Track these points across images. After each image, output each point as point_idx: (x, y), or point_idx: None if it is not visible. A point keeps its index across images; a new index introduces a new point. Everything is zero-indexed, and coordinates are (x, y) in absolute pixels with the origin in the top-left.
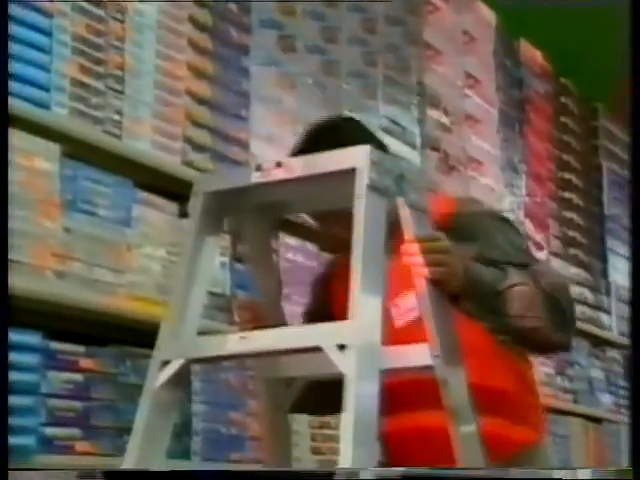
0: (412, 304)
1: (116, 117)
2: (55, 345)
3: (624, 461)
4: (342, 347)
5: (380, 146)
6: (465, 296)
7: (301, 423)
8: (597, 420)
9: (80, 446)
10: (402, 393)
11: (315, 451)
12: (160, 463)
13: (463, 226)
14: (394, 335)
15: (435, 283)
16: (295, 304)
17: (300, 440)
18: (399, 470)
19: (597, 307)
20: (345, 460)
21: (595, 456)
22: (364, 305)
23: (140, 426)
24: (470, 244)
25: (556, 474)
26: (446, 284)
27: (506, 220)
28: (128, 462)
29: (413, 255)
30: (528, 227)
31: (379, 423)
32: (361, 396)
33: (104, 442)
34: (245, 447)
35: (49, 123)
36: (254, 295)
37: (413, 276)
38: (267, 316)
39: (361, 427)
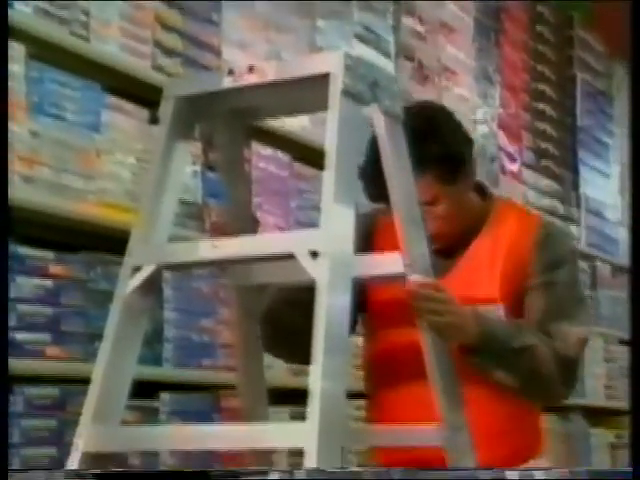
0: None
1: (83, 18)
2: (24, 250)
3: (587, 367)
4: (314, 254)
5: (467, 139)
6: (478, 349)
7: None
8: None
9: (50, 351)
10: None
11: None
12: (131, 370)
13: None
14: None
15: (435, 332)
16: (266, 213)
17: None
18: (335, 471)
19: (567, 218)
20: (316, 369)
21: None
22: (336, 214)
23: (111, 332)
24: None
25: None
26: (446, 334)
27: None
28: (99, 368)
29: (415, 300)
30: (501, 139)
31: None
32: (333, 306)
33: (74, 347)
34: (216, 354)
35: (13, 22)
36: (226, 204)
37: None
38: (238, 225)
39: (332, 336)
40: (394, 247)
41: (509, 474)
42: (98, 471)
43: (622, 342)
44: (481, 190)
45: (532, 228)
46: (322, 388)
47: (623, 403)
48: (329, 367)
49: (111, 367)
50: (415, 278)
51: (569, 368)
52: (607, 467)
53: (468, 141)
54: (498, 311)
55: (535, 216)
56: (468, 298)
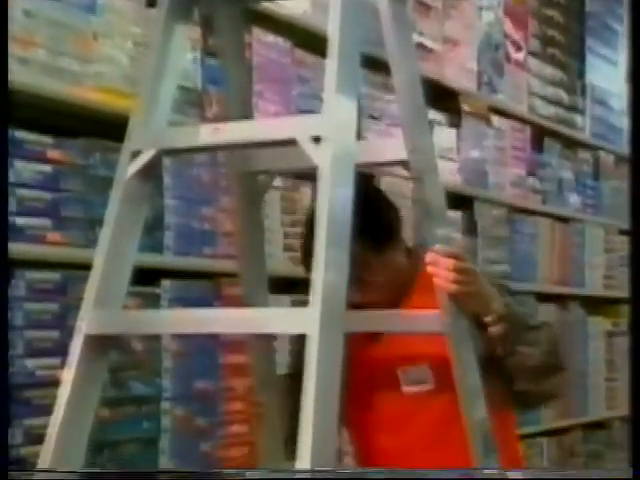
0: (422, 377)
1: None
2: (21, 135)
3: (587, 257)
4: (317, 139)
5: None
6: (501, 323)
7: (274, 220)
8: (564, 220)
9: (51, 236)
10: None
11: (287, 248)
12: (132, 255)
13: None
14: (399, 402)
15: (458, 302)
16: (267, 101)
17: (273, 237)
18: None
19: (571, 108)
20: (318, 258)
21: (560, 253)
22: (339, 103)
23: (111, 217)
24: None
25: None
26: (469, 304)
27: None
28: (100, 253)
29: (436, 267)
30: (507, 26)
31: None
32: (335, 194)
33: (75, 233)
34: (217, 242)
35: None
36: (225, 90)
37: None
38: (238, 112)
39: (334, 226)
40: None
41: (510, 474)
42: (98, 471)
43: (622, 232)
44: (408, 251)
45: None
46: (324, 277)
47: (621, 292)
48: (331, 257)
49: (112, 252)
50: (438, 249)
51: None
52: (602, 355)
53: (395, 211)
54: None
55: None
56: (404, 357)
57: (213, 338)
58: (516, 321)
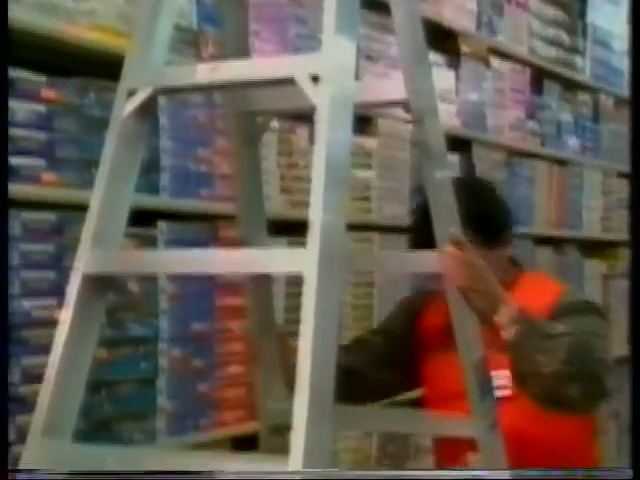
0: (503, 383)
1: None
2: (14, 73)
3: (584, 200)
4: (315, 79)
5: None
6: (516, 330)
7: (270, 162)
8: (563, 163)
9: (46, 177)
10: None
11: (284, 190)
12: (129, 196)
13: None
14: None
15: (470, 299)
16: (264, 41)
17: (270, 179)
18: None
19: (572, 49)
20: (316, 200)
21: (557, 196)
22: (338, 43)
23: (108, 157)
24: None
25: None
26: (480, 302)
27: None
28: (97, 193)
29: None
30: None
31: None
32: (334, 135)
33: (70, 174)
34: (214, 184)
35: None
36: (222, 29)
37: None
38: (234, 51)
39: (332, 167)
40: (439, 328)
41: (500, 474)
42: (97, 471)
43: (620, 175)
44: (512, 262)
45: (554, 294)
46: (322, 219)
47: (618, 235)
48: (329, 199)
49: (109, 192)
50: (451, 237)
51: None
52: (598, 297)
53: (508, 214)
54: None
55: (559, 286)
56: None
57: (210, 280)
58: (532, 328)
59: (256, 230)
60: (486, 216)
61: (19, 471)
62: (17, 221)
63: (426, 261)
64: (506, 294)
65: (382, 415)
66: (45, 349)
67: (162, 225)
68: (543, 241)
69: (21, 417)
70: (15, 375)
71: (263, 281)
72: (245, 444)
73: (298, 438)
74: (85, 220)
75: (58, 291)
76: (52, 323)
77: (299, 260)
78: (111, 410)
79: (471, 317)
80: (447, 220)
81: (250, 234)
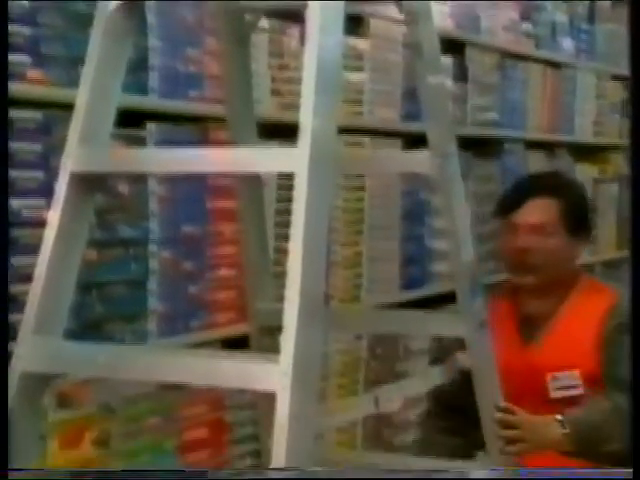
0: (573, 383)
1: None
2: None
3: (577, 104)
4: None
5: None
6: (575, 446)
7: (261, 63)
8: (556, 65)
9: (31, 74)
10: None
11: (275, 93)
12: (116, 95)
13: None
14: (547, 404)
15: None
16: None
17: (260, 81)
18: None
19: None
20: (306, 103)
21: (550, 100)
22: None
23: (94, 54)
24: None
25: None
26: (534, 452)
27: None
28: (83, 91)
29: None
30: None
31: None
32: (324, 41)
33: (57, 72)
34: (204, 86)
35: None
36: None
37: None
38: None
39: (323, 72)
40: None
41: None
42: (97, 470)
43: (615, 78)
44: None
45: (608, 299)
46: (313, 122)
47: (610, 139)
48: (320, 102)
49: (96, 90)
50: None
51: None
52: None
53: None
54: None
55: (611, 291)
56: (555, 364)
57: (200, 183)
58: (586, 432)
59: (246, 132)
60: (586, 213)
61: (19, 470)
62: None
63: (417, 161)
64: (546, 418)
65: (372, 316)
66: (35, 249)
67: (151, 126)
68: (535, 145)
69: (12, 316)
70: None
71: (254, 183)
72: (236, 346)
73: (289, 339)
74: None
75: (47, 191)
76: (41, 223)
77: (290, 159)
78: (102, 311)
79: (463, 208)
80: (439, 124)
81: (240, 136)
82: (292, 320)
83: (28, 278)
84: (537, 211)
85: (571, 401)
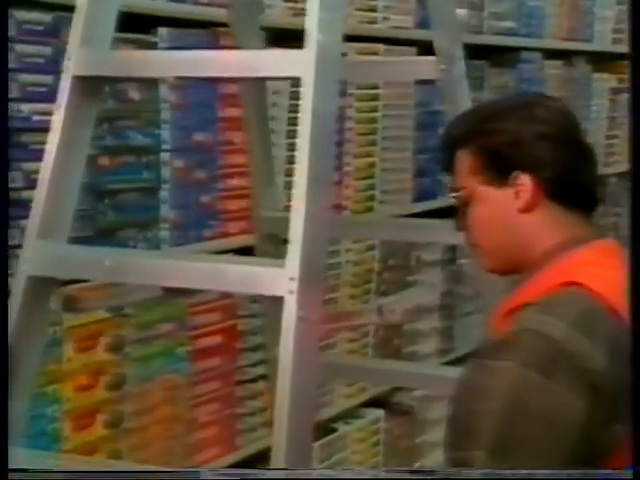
0: None
1: None
2: None
3: (597, 11)
4: None
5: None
6: None
7: None
8: None
9: None
10: None
11: None
12: None
13: None
14: None
15: None
16: None
17: None
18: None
19: None
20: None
21: (569, 7)
22: None
23: None
24: None
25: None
26: None
27: None
28: None
29: None
30: None
31: None
32: None
33: None
34: None
35: None
36: None
37: None
38: None
39: None
40: None
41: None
42: (97, 470)
43: None
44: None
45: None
46: (319, 26)
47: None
48: (326, 8)
49: None
50: None
51: None
52: (605, 112)
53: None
54: None
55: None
56: None
57: (212, 90)
58: None
59: (250, 37)
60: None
61: (19, 470)
62: (12, 21)
63: (423, 68)
64: None
65: (384, 225)
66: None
67: (162, 31)
68: (553, 54)
69: (25, 221)
70: (18, 181)
71: (257, 90)
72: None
73: (295, 244)
74: None
75: (56, 96)
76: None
77: (297, 62)
78: (114, 218)
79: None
80: (446, 29)
81: (244, 41)
82: (299, 226)
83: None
84: (455, 175)
85: None
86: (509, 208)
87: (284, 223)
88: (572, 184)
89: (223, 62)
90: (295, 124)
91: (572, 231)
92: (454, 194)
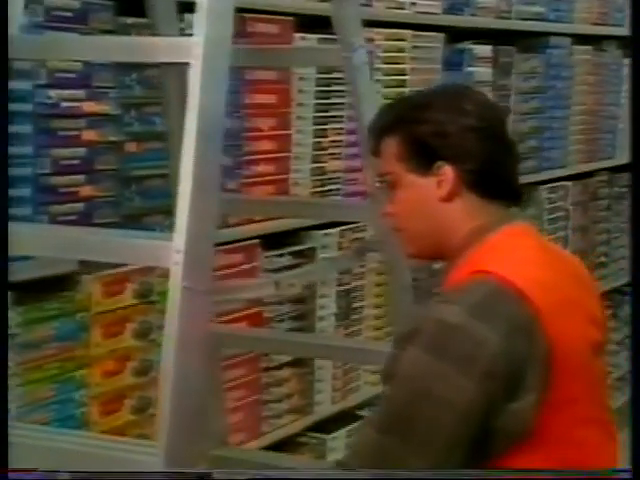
0: None
1: None
2: None
3: None
4: None
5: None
6: None
7: None
8: None
9: None
10: None
11: None
12: None
13: None
14: None
15: None
16: None
17: None
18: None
19: None
20: None
21: None
22: None
23: None
24: None
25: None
26: None
27: None
28: None
29: None
30: None
31: None
32: None
33: None
34: None
35: None
36: None
37: None
38: None
39: None
40: None
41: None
42: (97, 471)
43: None
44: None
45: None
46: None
47: None
48: None
49: None
50: None
51: None
52: None
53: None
54: None
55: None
56: None
57: (238, 77)
58: None
59: (165, 16)
60: (432, 132)
61: (19, 470)
62: (40, 7)
63: (327, 55)
64: None
65: (284, 204)
66: (74, 142)
67: None
68: (582, 39)
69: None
70: (46, 167)
71: (178, 75)
72: (274, 243)
73: (181, 217)
74: None
75: (85, 83)
76: (80, 115)
77: (186, 49)
78: (141, 204)
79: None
80: (346, 16)
81: (160, 19)
82: (185, 199)
83: (68, 170)
84: (382, 160)
85: None
86: (431, 196)
87: None
88: (493, 176)
89: (114, 48)
90: (322, 111)
91: (484, 219)
92: (380, 179)
